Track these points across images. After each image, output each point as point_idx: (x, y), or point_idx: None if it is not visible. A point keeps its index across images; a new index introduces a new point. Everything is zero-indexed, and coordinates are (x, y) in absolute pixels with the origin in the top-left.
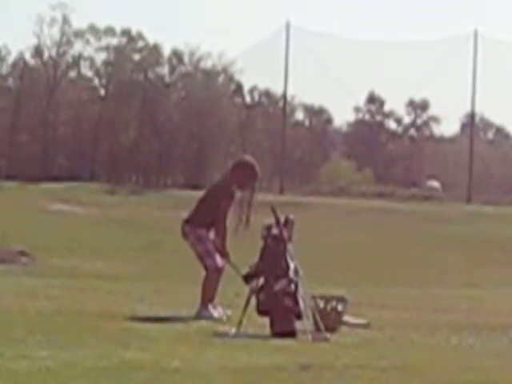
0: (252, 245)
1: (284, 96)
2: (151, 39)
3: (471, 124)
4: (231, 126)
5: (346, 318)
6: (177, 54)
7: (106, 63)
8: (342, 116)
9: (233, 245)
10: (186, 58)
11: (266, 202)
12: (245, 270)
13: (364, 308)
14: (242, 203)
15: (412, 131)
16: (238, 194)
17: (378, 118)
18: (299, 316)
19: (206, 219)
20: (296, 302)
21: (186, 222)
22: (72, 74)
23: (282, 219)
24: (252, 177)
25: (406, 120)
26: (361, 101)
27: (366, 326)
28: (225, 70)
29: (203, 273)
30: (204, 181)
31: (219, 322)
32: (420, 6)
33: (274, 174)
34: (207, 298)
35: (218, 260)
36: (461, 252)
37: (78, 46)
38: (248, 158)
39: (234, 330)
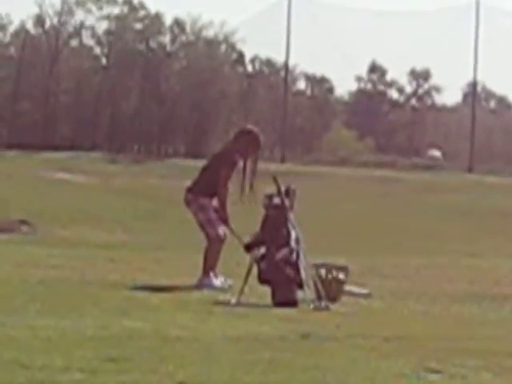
0: (254, 214)
1: (286, 65)
2: (153, 8)
3: (473, 93)
4: (233, 95)
5: (347, 287)
6: (178, 23)
7: (108, 32)
8: (344, 85)
9: (234, 214)
10: (187, 27)
11: (268, 171)
12: (246, 239)
13: (365, 277)
14: (245, 172)
15: (414, 101)
16: (241, 163)
17: (380, 87)
18: (300, 285)
19: (209, 188)
20: (297, 271)
21: (189, 190)
22: (73, 43)
23: (284, 188)
24: (255, 146)
25: (408, 89)
26: (363, 70)
27: (367, 296)
28: (226, 39)
29: (205, 242)
30: (206, 150)
31: (220, 290)
32: None
33: (276, 143)
34: (209, 266)
35: (220, 229)
36: (462, 221)
37: (79, 15)
38: (251, 127)
39: (235, 299)
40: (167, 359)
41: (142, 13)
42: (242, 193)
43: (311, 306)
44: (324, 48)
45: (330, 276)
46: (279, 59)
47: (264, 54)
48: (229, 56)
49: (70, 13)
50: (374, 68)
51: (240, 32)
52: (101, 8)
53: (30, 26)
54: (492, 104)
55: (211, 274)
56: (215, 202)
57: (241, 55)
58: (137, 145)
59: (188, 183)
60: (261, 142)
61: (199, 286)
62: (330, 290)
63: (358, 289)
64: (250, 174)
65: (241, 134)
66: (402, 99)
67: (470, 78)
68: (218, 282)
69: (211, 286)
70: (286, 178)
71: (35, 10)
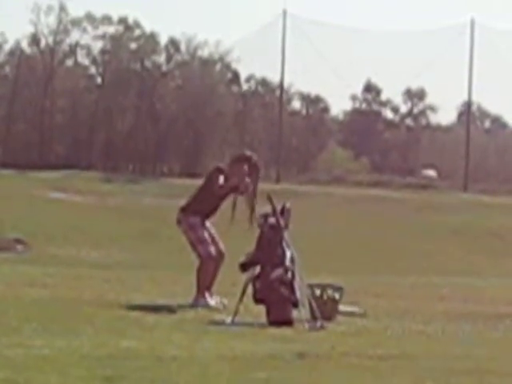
0: (249, 233)
1: (281, 85)
2: (148, 28)
3: (468, 113)
4: (228, 115)
5: (342, 306)
6: (174, 43)
7: (103, 51)
8: (339, 105)
9: (229, 233)
10: (182, 47)
11: (263, 191)
12: (241, 259)
13: (360, 296)
14: (235, 201)
15: (409, 120)
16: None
17: (375, 106)
18: (295, 304)
19: (201, 207)
20: (292, 291)
21: (182, 209)
22: (69, 62)
23: (279, 208)
24: (254, 172)
25: (403, 109)
26: (358, 89)
27: (362, 315)
28: (221, 59)
29: (197, 261)
30: (200, 169)
31: (215, 310)
32: None
33: (271, 163)
34: (203, 285)
35: (211, 248)
36: (457, 241)
37: (74, 35)
38: (249, 153)
39: (230, 319)
40: (162, 379)
41: (137, 32)
42: (250, 216)
43: (306, 326)
44: (319, 67)
45: (325, 295)
46: (274, 79)
47: (259, 74)
48: (224, 75)
49: (65, 32)
50: (369, 87)
51: (235, 51)
52: (96, 27)
53: (25, 45)
54: (487, 123)
55: (206, 294)
56: (208, 223)
57: (236, 75)
58: (132, 164)
59: (182, 202)
60: (259, 168)
61: (194, 305)
62: (325, 310)
63: (353, 308)
64: (251, 198)
65: (239, 160)
66: (397, 119)
67: (464, 97)
68: (212, 301)
69: (206, 305)
70: (281, 198)
71: (30, 29)
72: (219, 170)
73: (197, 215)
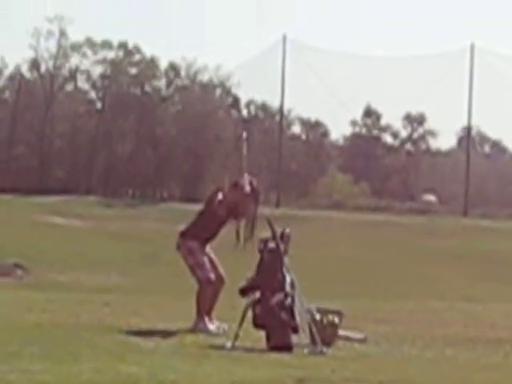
0: (249, 258)
1: (281, 110)
2: (148, 52)
3: (468, 138)
4: (228, 140)
5: (343, 332)
6: (173, 68)
7: (103, 76)
8: (339, 130)
9: (229, 258)
10: (182, 72)
11: (263, 216)
12: (241, 284)
13: (360, 322)
14: (238, 224)
15: (408, 145)
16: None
17: (375, 131)
18: (295, 330)
19: (201, 232)
20: (292, 316)
21: (181, 234)
22: (69, 87)
23: (279, 233)
24: (254, 197)
25: (403, 134)
26: (357, 114)
27: (362, 341)
28: (222, 84)
29: (196, 286)
30: (200, 194)
31: (215, 335)
32: (417, 20)
33: (271, 188)
34: (203, 310)
35: (210, 273)
36: (457, 266)
37: (74, 59)
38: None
39: (230, 344)
40: None
41: (137, 57)
42: (244, 241)
43: (306, 351)
44: (319, 92)
45: (324, 320)
46: (274, 103)
47: (259, 99)
48: (224, 100)
49: (65, 57)
50: (369, 112)
51: (235, 76)
52: (96, 52)
53: (25, 69)
54: (486, 148)
55: (206, 319)
56: (208, 248)
57: (236, 99)
58: (131, 189)
59: (182, 227)
60: (259, 193)
61: (194, 330)
62: (325, 335)
63: (354, 333)
64: (251, 223)
65: (239, 185)
66: (396, 143)
67: (464, 122)
68: (212, 326)
69: (206, 330)
70: (281, 222)
71: (30, 54)
72: (218, 189)
73: (196, 240)
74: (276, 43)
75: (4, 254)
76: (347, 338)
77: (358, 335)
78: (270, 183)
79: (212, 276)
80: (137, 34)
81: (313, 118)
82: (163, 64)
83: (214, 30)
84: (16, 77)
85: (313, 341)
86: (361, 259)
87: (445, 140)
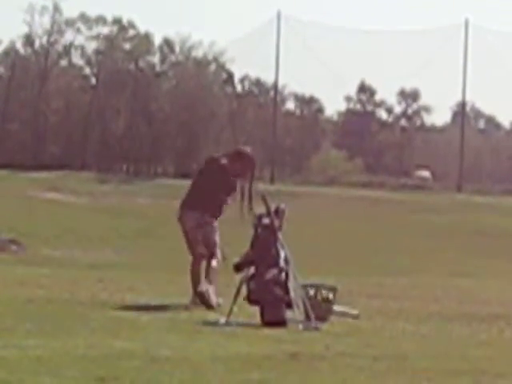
0: (243, 234)
1: (275, 85)
2: (142, 28)
3: (462, 113)
4: (222, 116)
5: (337, 307)
6: (168, 43)
7: (97, 52)
8: (333, 105)
9: (224, 233)
10: (176, 47)
11: (257, 191)
12: (235, 259)
13: (354, 297)
14: (242, 192)
15: (403, 121)
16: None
17: (369, 107)
18: (289, 305)
19: (202, 200)
20: (286, 291)
21: (189, 207)
22: (63, 62)
23: (273, 208)
24: (251, 167)
25: (397, 109)
26: (352, 90)
27: (356, 317)
28: (216, 59)
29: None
30: (194, 170)
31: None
32: None
33: (265, 164)
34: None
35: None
36: (451, 241)
37: (68, 35)
38: (246, 149)
39: (224, 319)
40: (156, 379)
41: (131, 32)
42: (241, 213)
43: (300, 326)
44: (313, 68)
45: (319, 296)
46: (269, 79)
47: (253, 74)
48: (218, 76)
49: (60, 32)
50: (364, 88)
51: (229, 52)
52: (90, 28)
53: (19, 45)
54: (481, 124)
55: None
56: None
57: (230, 75)
58: (126, 164)
59: (176, 203)
60: (255, 163)
61: (190, 307)
62: (320, 310)
63: (348, 309)
64: (249, 194)
65: (237, 156)
66: (391, 119)
67: (458, 98)
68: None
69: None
70: (276, 198)
71: (24, 30)
72: (234, 189)
73: (197, 210)
74: (270, 19)
75: None
76: (342, 314)
77: (353, 311)
78: (265, 159)
79: (204, 252)
80: (131, 10)
81: (307, 94)
82: (157, 40)
83: (208, 5)
84: (10, 53)
85: (307, 316)
86: (355, 235)
87: (439, 116)
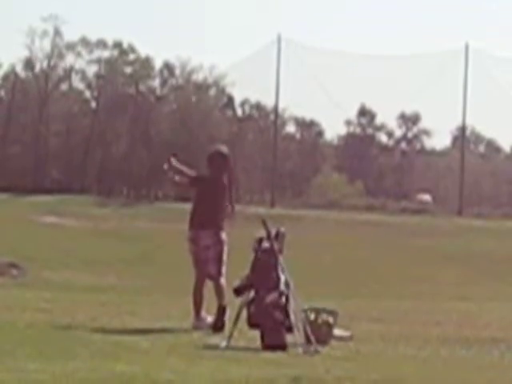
0: (243, 257)
1: (275, 109)
2: (143, 52)
3: (462, 137)
4: (222, 139)
5: (337, 331)
6: (168, 67)
7: (98, 76)
8: (334, 129)
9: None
10: (177, 71)
11: (257, 215)
12: (236, 283)
13: (355, 321)
14: (230, 189)
15: (403, 144)
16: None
17: (369, 131)
18: (290, 329)
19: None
20: (287, 315)
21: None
22: (63, 86)
23: (273, 232)
24: (229, 162)
25: (397, 133)
26: (352, 114)
27: (348, 339)
28: (216, 83)
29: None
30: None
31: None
32: (412, 19)
33: (265, 187)
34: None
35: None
36: (451, 265)
37: (69, 59)
38: (217, 149)
39: (224, 343)
40: None
41: (131, 56)
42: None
43: (300, 350)
44: (313, 92)
45: (319, 319)
46: (269, 103)
47: (253, 98)
48: (218, 100)
49: (60, 56)
50: (364, 112)
51: (229, 76)
52: (91, 51)
53: (19, 69)
54: (481, 148)
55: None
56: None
57: (230, 99)
58: (126, 188)
59: (177, 227)
60: (230, 157)
61: (196, 329)
62: (320, 334)
63: (341, 331)
64: (233, 189)
65: (214, 158)
66: (391, 143)
67: (459, 121)
68: (210, 319)
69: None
70: (276, 222)
71: (25, 53)
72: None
73: (209, 229)
74: (271, 42)
75: None
76: (339, 338)
77: (345, 333)
78: (265, 183)
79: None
80: (131, 34)
81: (307, 118)
82: (158, 63)
83: (208, 29)
84: (10, 76)
85: (307, 340)
86: (355, 259)
87: (439, 139)
